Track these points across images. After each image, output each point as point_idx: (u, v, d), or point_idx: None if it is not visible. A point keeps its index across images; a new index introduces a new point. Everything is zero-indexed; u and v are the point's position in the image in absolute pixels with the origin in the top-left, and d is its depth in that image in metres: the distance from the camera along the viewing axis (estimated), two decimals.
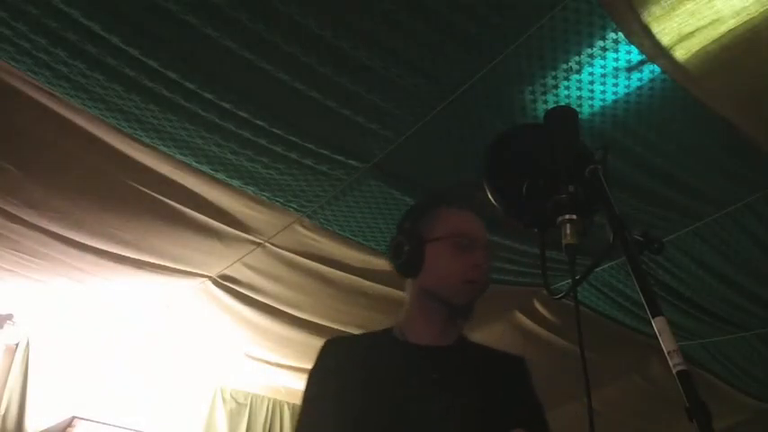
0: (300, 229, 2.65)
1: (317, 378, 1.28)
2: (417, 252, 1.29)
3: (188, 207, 2.51)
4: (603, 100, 1.94)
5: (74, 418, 3.67)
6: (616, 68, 1.83)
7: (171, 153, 2.21)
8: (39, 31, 1.71)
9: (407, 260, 1.29)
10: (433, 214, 1.34)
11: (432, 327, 1.30)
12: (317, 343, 3.89)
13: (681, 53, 1.75)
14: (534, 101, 1.96)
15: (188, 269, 2.99)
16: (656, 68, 1.81)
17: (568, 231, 0.98)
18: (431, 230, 1.30)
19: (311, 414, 1.25)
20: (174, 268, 2.97)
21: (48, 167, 2.32)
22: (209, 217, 2.57)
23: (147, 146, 2.18)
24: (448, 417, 1.17)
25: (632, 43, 1.73)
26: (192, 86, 1.88)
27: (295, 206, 2.49)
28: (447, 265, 1.28)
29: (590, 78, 1.87)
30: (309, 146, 2.12)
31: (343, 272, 2.91)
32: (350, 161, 2.21)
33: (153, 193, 2.42)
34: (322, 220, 2.59)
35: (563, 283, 2.80)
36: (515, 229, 2.44)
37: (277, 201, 2.46)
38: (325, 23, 1.68)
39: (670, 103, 1.93)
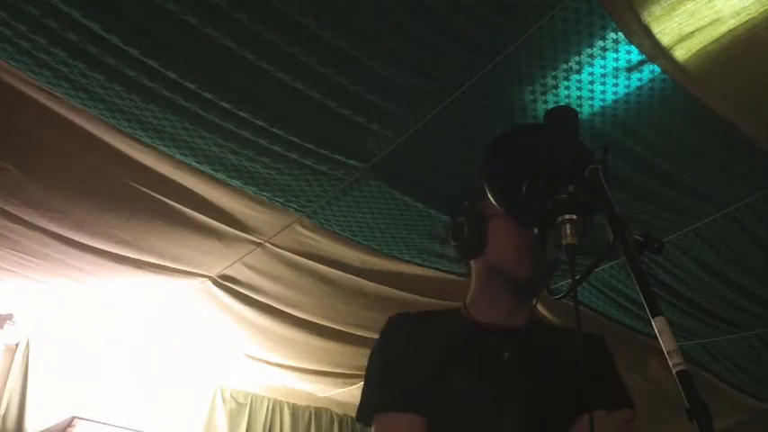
0: (300, 229, 2.65)
1: (383, 347, 1.25)
2: (480, 230, 1.26)
3: (188, 207, 2.51)
4: (603, 100, 1.94)
5: (74, 418, 3.67)
6: (616, 68, 1.83)
7: (171, 153, 2.21)
8: (39, 31, 1.71)
9: (470, 239, 1.27)
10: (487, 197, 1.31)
11: (499, 307, 1.27)
12: (317, 343, 3.90)
13: (681, 53, 1.75)
14: (534, 101, 1.96)
15: (188, 269, 2.99)
16: (656, 68, 1.81)
17: (568, 231, 0.98)
18: (491, 207, 1.23)
19: (377, 392, 1.20)
20: (174, 268, 2.97)
21: (48, 167, 2.32)
22: (209, 217, 2.58)
23: (147, 146, 2.18)
24: (515, 400, 1.14)
25: (632, 43, 1.73)
26: (191, 86, 1.88)
27: (295, 206, 2.49)
28: (511, 240, 1.24)
29: (590, 78, 1.87)
30: (309, 146, 2.12)
31: (343, 272, 2.91)
32: (350, 161, 2.21)
33: (153, 193, 2.42)
34: (322, 220, 2.59)
35: (563, 283, 2.80)
36: None
37: (277, 201, 2.46)
38: (325, 23, 1.68)
39: (670, 103, 1.93)
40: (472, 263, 1.34)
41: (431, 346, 1.22)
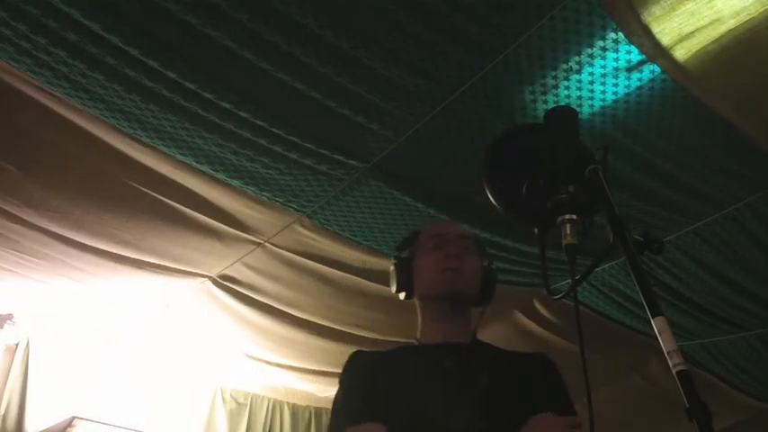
0: (300, 229, 2.65)
1: (343, 379, 1.35)
2: (405, 271, 1.42)
3: (188, 207, 2.51)
4: (603, 100, 1.94)
5: (74, 418, 3.66)
6: (616, 68, 1.83)
7: (171, 153, 2.21)
8: (39, 31, 1.70)
9: (400, 281, 1.42)
10: (415, 239, 1.47)
11: (439, 328, 1.37)
12: (317, 343, 3.90)
13: (681, 53, 1.75)
14: (534, 101, 1.96)
15: (188, 269, 2.99)
16: (656, 68, 1.81)
17: (568, 231, 0.98)
18: (413, 251, 1.44)
19: (341, 411, 1.29)
20: (174, 268, 2.97)
21: (48, 167, 2.32)
22: (209, 217, 2.57)
23: (147, 146, 2.18)
24: (463, 401, 1.20)
25: (632, 43, 1.73)
26: (191, 86, 1.88)
27: (295, 206, 2.49)
28: (426, 264, 1.40)
29: (590, 78, 1.87)
30: (309, 146, 2.12)
31: (343, 272, 2.91)
32: (350, 161, 2.21)
33: (153, 193, 2.42)
34: (322, 220, 2.59)
35: (563, 283, 2.80)
36: (515, 229, 2.44)
37: (277, 201, 2.46)
38: (325, 23, 1.68)
39: (670, 103, 1.93)
40: (415, 302, 1.45)
41: (383, 370, 1.34)
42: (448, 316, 1.38)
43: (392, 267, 1.46)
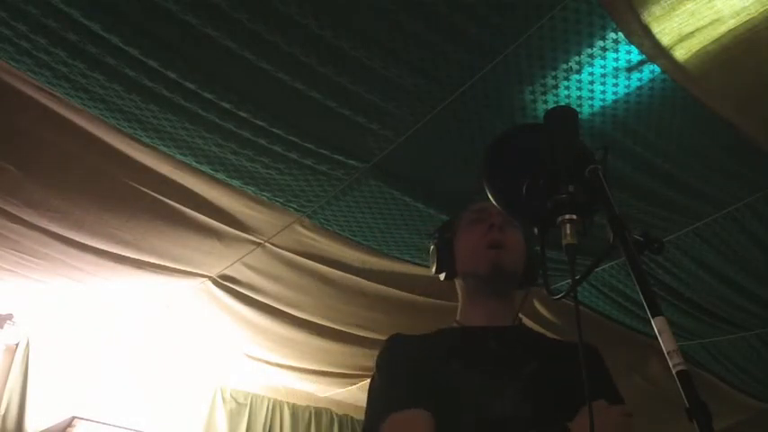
0: (300, 229, 2.65)
1: (382, 363, 1.29)
2: (446, 248, 1.38)
3: (188, 207, 2.51)
4: (603, 100, 1.94)
5: (74, 418, 3.66)
6: (616, 68, 1.83)
7: (171, 153, 2.21)
8: (39, 31, 1.70)
9: (440, 259, 1.38)
10: (456, 219, 1.44)
11: (481, 310, 1.33)
12: (317, 343, 3.90)
13: (681, 53, 1.75)
14: (534, 101, 1.96)
15: (188, 269, 2.99)
16: (656, 68, 1.81)
17: (568, 231, 0.98)
18: (455, 230, 1.40)
19: (381, 398, 1.23)
20: (174, 268, 2.97)
21: (48, 167, 2.32)
22: (209, 217, 2.58)
23: (147, 146, 2.18)
24: (509, 386, 1.17)
25: (632, 43, 1.73)
26: (191, 86, 1.88)
27: (295, 206, 2.49)
28: (468, 240, 1.35)
29: (590, 78, 1.87)
30: (309, 146, 2.12)
31: (343, 272, 2.91)
32: (350, 161, 2.21)
33: (153, 193, 2.42)
34: (322, 220, 2.59)
35: (563, 283, 2.80)
36: None
37: (277, 201, 2.46)
38: (326, 23, 1.68)
39: (670, 103, 1.93)
40: (456, 282, 1.41)
41: (424, 353, 1.27)
42: (492, 296, 1.33)
43: (432, 247, 1.41)
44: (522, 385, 1.17)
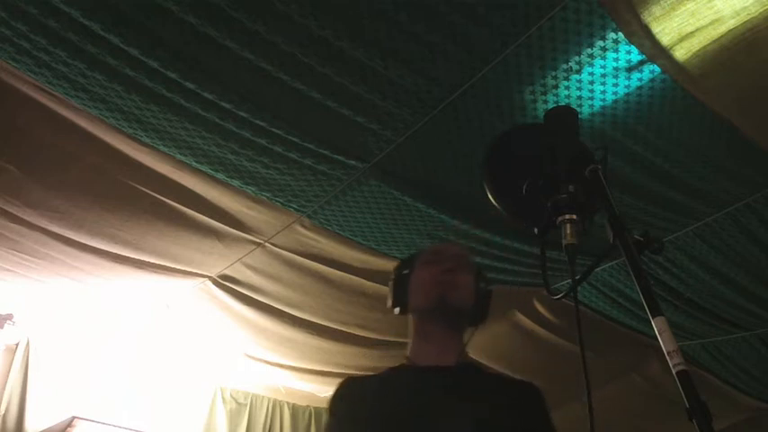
0: (300, 229, 2.65)
1: (333, 409, 1.37)
2: (401, 285, 1.45)
3: (188, 207, 2.51)
4: (603, 100, 1.94)
5: (74, 418, 3.66)
6: (616, 68, 1.83)
7: (171, 153, 2.21)
8: (39, 31, 1.70)
9: (395, 294, 1.46)
10: (415, 258, 1.50)
11: (428, 345, 1.38)
12: (317, 343, 3.89)
13: (681, 53, 1.75)
14: (534, 101, 1.96)
15: (188, 269, 2.99)
16: (656, 68, 1.81)
17: (568, 231, 0.98)
18: (412, 267, 1.47)
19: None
20: (174, 268, 2.96)
21: (48, 167, 2.32)
22: (209, 217, 2.57)
23: (147, 146, 2.18)
24: (444, 424, 1.21)
25: (632, 43, 1.73)
26: (191, 86, 1.88)
27: (295, 206, 2.49)
28: (420, 277, 1.42)
29: (590, 78, 1.87)
30: (309, 146, 2.12)
31: (343, 272, 2.91)
32: (350, 161, 2.21)
33: (153, 193, 2.42)
34: (322, 220, 2.59)
35: (563, 283, 2.80)
36: (515, 229, 2.44)
37: (277, 201, 2.46)
38: (326, 23, 1.68)
39: (670, 103, 1.93)
40: (408, 318, 1.46)
41: (371, 396, 1.34)
42: (438, 332, 1.38)
43: (390, 283, 1.49)
44: (463, 430, 1.20)
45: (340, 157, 2.19)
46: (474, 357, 3.54)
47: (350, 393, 1.38)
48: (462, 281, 1.39)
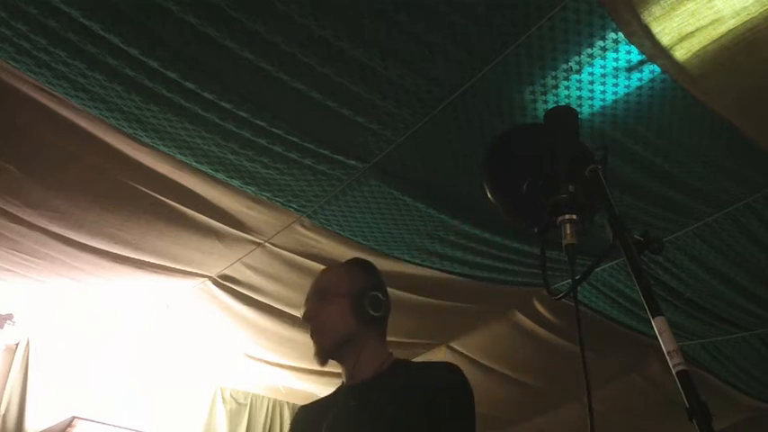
0: (300, 229, 2.65)
1: None
2: None
3: (188, 207, 2.51)
4: (603, 100, 1.94)
5: (74, 418, 3.66)
6: (616, 68, 1.83)
7: (171, 153, 2.21)
8: (39, 31, 1.70)
9: None
10: None
11: (342, 370, 1.50)
12: None
13: (681, 53, 1.75)
14: (534, 101, 1.96)
15: (188, 269, 2.99)
16: (656, 68, 1.81)
17: (568, 231, 0.98)
18: None
19: None
20: (174, 268, 2.96)
21: (48, 167, 2.32)
22: (209, 217, 2.57)
23: (146, 146, 2.18)
24: None
25: (632, 43, 1.73)
26: (191, 86, 1.88)
27: (295, 206, 2.49)
28: None
29: (590, 78, 1.87)
30: (309, 146, 2.12)
31: None
32: (350, 161, 2.21)
33: (153, 193, 2.42)
34: (322, 220, 2.59)
35: (563, 283, 2.80)
36: (515, 229, 2.44)
37: (277, 201, 2.46)
38: (326, 23, 1.68)
39: (670, 103, 1.93)
40: None
41: (308, 423, 1.48)
42: (339, 363, 1.50)
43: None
44: None
45: (340, 157, 2.19)
46: (474, 357, 3.55)
47: (294, 421, 1.56)
48: (321, 321, 1.50)
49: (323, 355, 1.48)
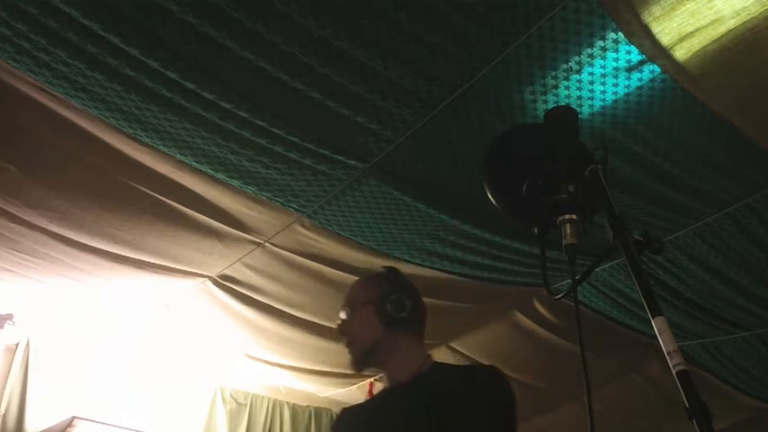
0: (300, 229, 2.65)
1: None
2: None
3: (188, 207, 2.51)
4: (603, 100, 1.94)
5: (74, 418, 3.66)
6: (616, 68, 1.83)
7: (171, 153, 2.21)
8: (39, 31, 1.70)
9: None
10: None
11: (382, 374, 1.54)
12: (317, 343, 3.90)
13: (681, 53, 1.75)
14: (534, 101, 1.96)
15: (188, 269, 2.99)
16: (656, 68, 1.81)
17: (568, 231, 0.98)
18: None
19: None
20: (174, 268, 2.96)
21: (48, 167, 2.32)
22: (209, 217, 2.57)
23: (147, 146, 2.18)
24: None
25: (632, 43, 1.73)
26: (191, 86, 1.88)
27: (295, 206, 2.49)
28: None
29: (590, 78, 1.87)
30: (309, 146, 2.12)
31: (343, 272, 2.91)
32: (350, 161, 2.21)
33: (153, 193, 2.42)
34: (322, 220, 2.59)
35: (563, 283, 2.80)
36: (515, 229, 2.44)
37: (277, 201, 2.46)
38: (326, 23, 1.68)
39: (670, 103, 1.93)
40: None
41: (352, 425, 1.54)
42: (377, 370, 1.56)
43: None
44: None
45: (340, 157, 2.19)
46: (474, 357, 3.55)
47: (338, 422, 1.58)
48: (353, 334, 1.51)
49: (357, 363, 1.52)
